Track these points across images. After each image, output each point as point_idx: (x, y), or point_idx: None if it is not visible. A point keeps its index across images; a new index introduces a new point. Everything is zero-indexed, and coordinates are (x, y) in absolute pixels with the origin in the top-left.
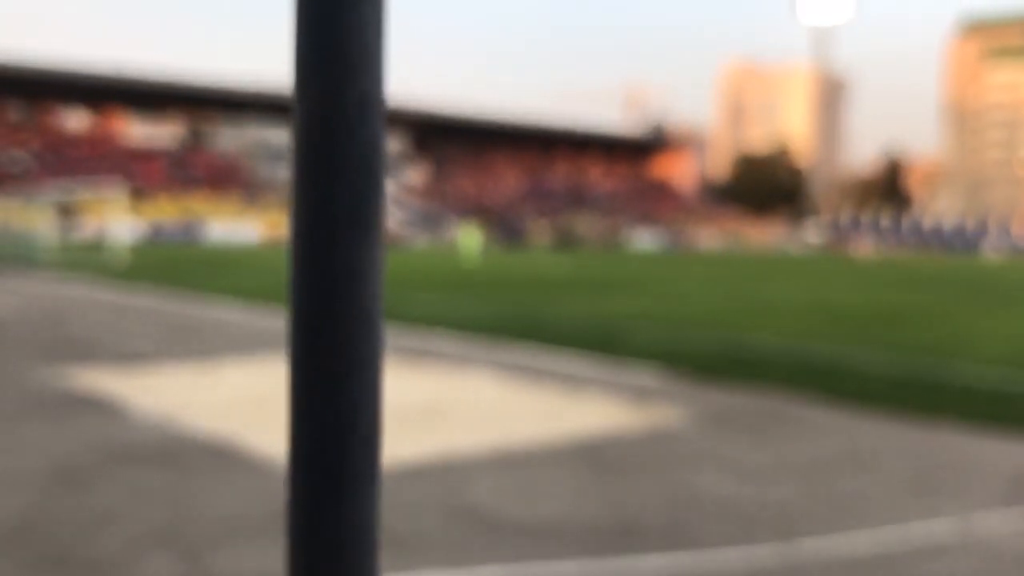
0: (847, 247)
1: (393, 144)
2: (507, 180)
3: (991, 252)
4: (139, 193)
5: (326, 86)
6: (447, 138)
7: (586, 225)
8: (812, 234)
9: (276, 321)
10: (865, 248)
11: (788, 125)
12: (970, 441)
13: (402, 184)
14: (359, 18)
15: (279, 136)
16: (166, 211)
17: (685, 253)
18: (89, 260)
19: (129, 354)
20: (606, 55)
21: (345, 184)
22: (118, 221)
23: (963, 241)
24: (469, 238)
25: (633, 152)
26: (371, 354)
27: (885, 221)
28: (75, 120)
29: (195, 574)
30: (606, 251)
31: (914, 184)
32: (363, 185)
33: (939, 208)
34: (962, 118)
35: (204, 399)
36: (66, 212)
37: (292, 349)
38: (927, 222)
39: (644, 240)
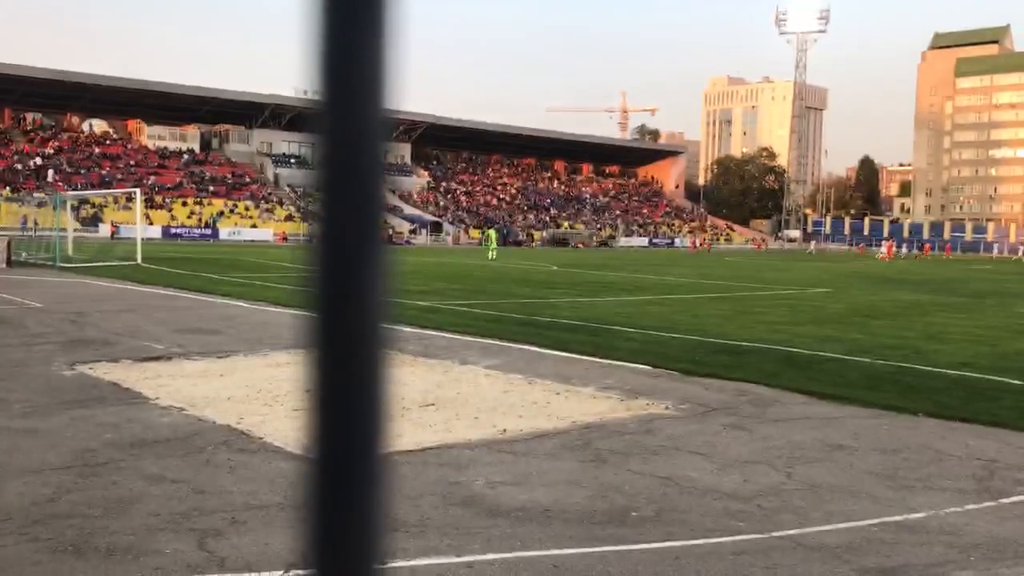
0: (872, 250)
1: (393, 152)
2: (504, 187)
3: (997, 252)
4: (156, 197)
5: (335, 102)
6: (446, 146)
7: (579, 234)
8: (794, 235)
9: (284, 315)
10: (889, 251)
11: (770, 136)
12: (942, 433)
13: (402, 190)
14: (368, 37)
15: (286, 143)
16: (182, 213)
17: (677, 253)
18: (108, 259)
19: (147, 348)
20: (599, 71)
21: (347, 193)
22: (136, 223)
23: (938, 243)
24: (491, 240)
25: (624, 160)
26: (378, 352)
27: (864, 224)
28: (96, 128)
29: (211, 559)
30: (598, 251)
31: (890, 190)
32: (365, 193)
33: (914, 211)
34: (936, 126)
35: (220, 390)
36: (86, 214)
37: (306, 347)
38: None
39: (633, 242)
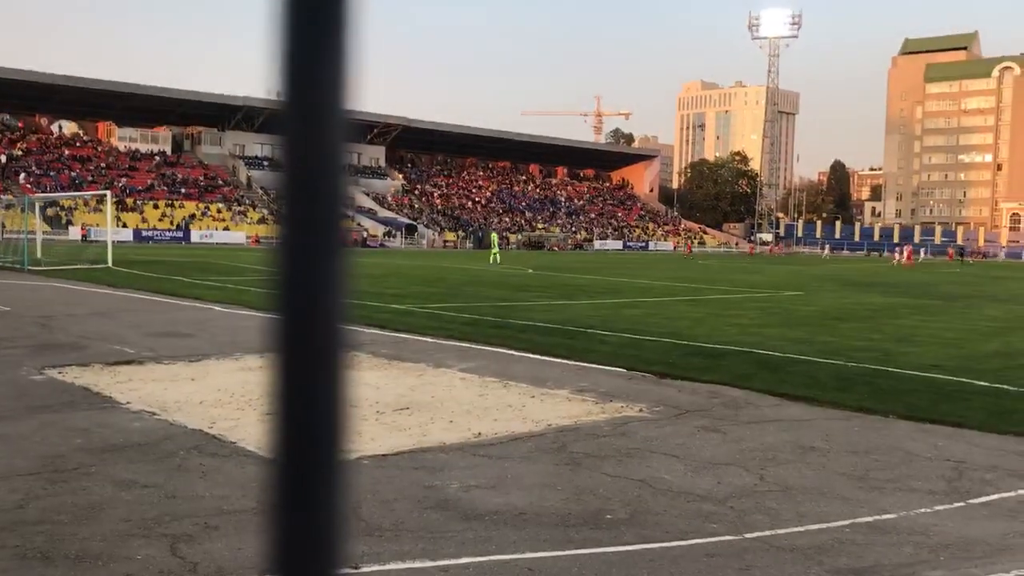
0: (892, 254)
1: (367, 154)
2: (479, 189)
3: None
4: (127, 199)
5: (292, 103)
6: (420, 149)
7: (554, 237)
8: (766, 238)
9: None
10: (908, 255)
11: (742, 141)
12: (912, 434)
13: (376, 193)
14: (327, 39)
15: (259, 145)
16: (153, 216)
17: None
18: (78, 262)
19: (118, 352)
20: (573, 75)
21: (306, 196)
22: (106, 225)
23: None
24: (494, 244)
25: (598, 164)
26: (336, 353)
27: (836, 229)
28: (66, 129)
29: (183, 564)
30: (573, 254)
31: (861, 194)
32: (323, 196)
33: (885, 215)
34: (906, 131)
35: (191, 395)
36: (52, 213)
37: (269, 349)
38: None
39: (608, 245)
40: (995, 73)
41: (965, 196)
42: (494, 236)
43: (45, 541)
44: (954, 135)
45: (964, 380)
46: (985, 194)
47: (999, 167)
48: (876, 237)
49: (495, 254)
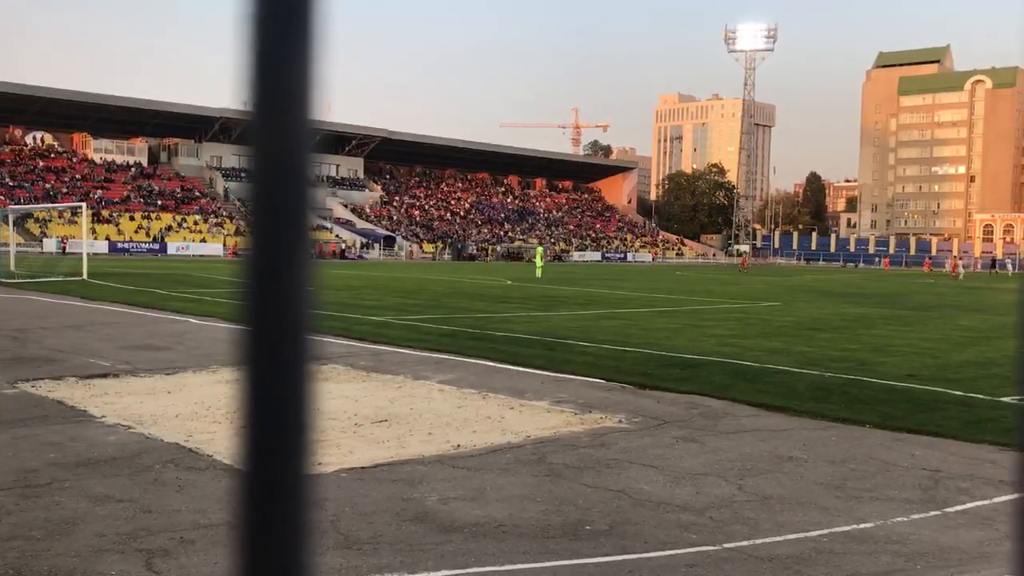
0: (949, 268)
1: (346, 166)
2: (458, 201)
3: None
4: (103, 211)
5: (259, 114)
6: (399, 161)
7: (533, 249)
8: (743, 249)
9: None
10: (957, 268)
11: (719, 153)
12: (888, 444)
13: (355, 205)
14: (291, 53)
15: (236, 157)
16: (129, 228)
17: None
18: (53, 274)
19: (93, 365)
20: (552, 87)
21: (272, 206)
22: (82, 237)
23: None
24: (538, 257)
25: (577, 175)
26: (301, 365)
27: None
28: (41, 141)
29: None
30: (551, 265)
31: (837, 205)
32: (289, 207)
33: (860, 226)
34: (880, 143)
35: (167, 408)
36: (31, 229)
37: (237, 361)
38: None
39: (587, 256)
40: (967, 86)
41: (939, 207)
42: (540, 250)
43: (17, 557)
44: (928, 147)
45: (939, 389)
46: (959, 205)
47: (972, 179)
48: (852, 248)
49: (541, 268)
